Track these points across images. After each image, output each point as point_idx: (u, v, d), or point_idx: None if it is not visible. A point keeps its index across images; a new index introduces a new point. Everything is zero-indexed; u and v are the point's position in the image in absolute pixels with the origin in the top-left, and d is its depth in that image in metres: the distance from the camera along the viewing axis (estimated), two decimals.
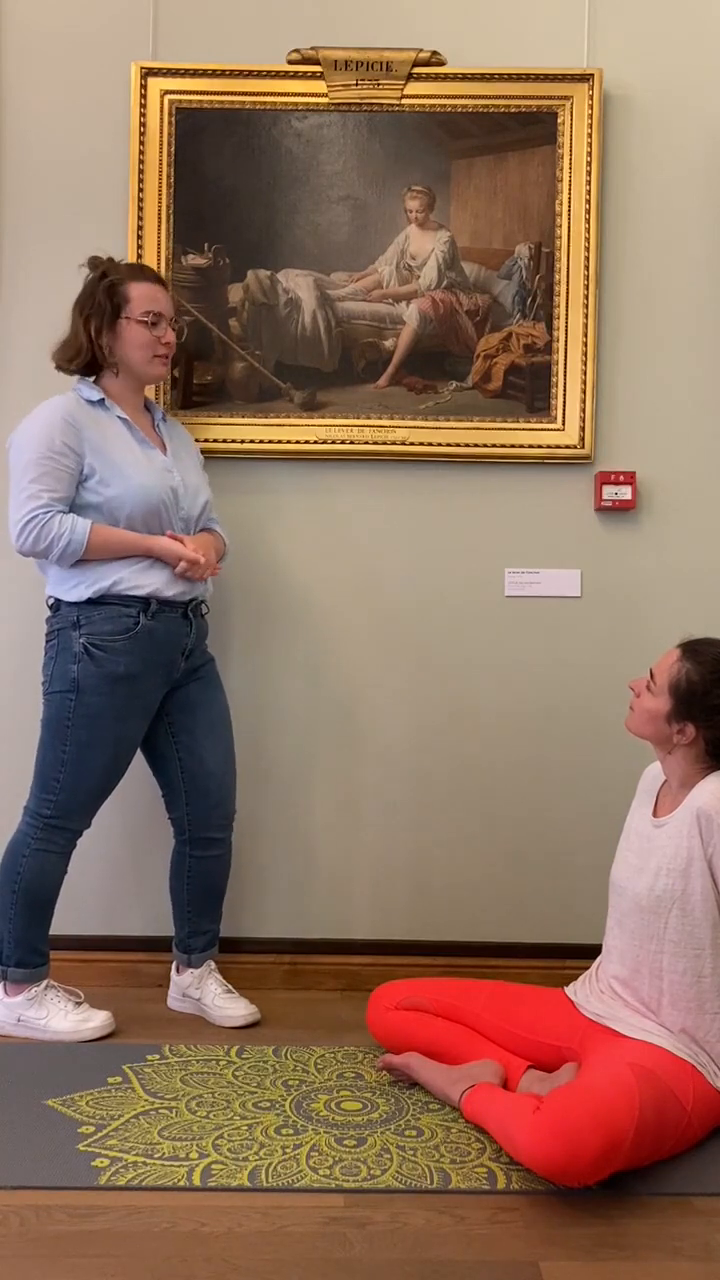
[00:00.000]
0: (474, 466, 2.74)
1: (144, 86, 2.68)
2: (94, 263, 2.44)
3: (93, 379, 2.45)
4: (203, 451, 2.71)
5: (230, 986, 2.55)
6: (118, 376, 2.44)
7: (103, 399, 2.41)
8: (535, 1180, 1.83)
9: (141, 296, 2.40)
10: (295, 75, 2.68)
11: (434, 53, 2.67)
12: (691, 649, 2.07)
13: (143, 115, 2.68)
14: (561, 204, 2.69)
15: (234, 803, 2.56)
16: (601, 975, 2.17)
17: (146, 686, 2.41)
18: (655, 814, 2.13)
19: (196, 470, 2.54)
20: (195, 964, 2.55)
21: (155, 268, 2.68)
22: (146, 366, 2.44)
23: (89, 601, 2.35)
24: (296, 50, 2.68)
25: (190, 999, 2.54)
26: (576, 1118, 1.75)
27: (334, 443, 2.71)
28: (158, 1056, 2.31)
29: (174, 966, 2.60)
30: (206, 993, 2.52)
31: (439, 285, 2.71)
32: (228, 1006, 2.50)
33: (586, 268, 2.68)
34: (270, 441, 2.72)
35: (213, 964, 2.57)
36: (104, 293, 2.39)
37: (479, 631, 2.76)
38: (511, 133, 2.69)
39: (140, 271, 2.45)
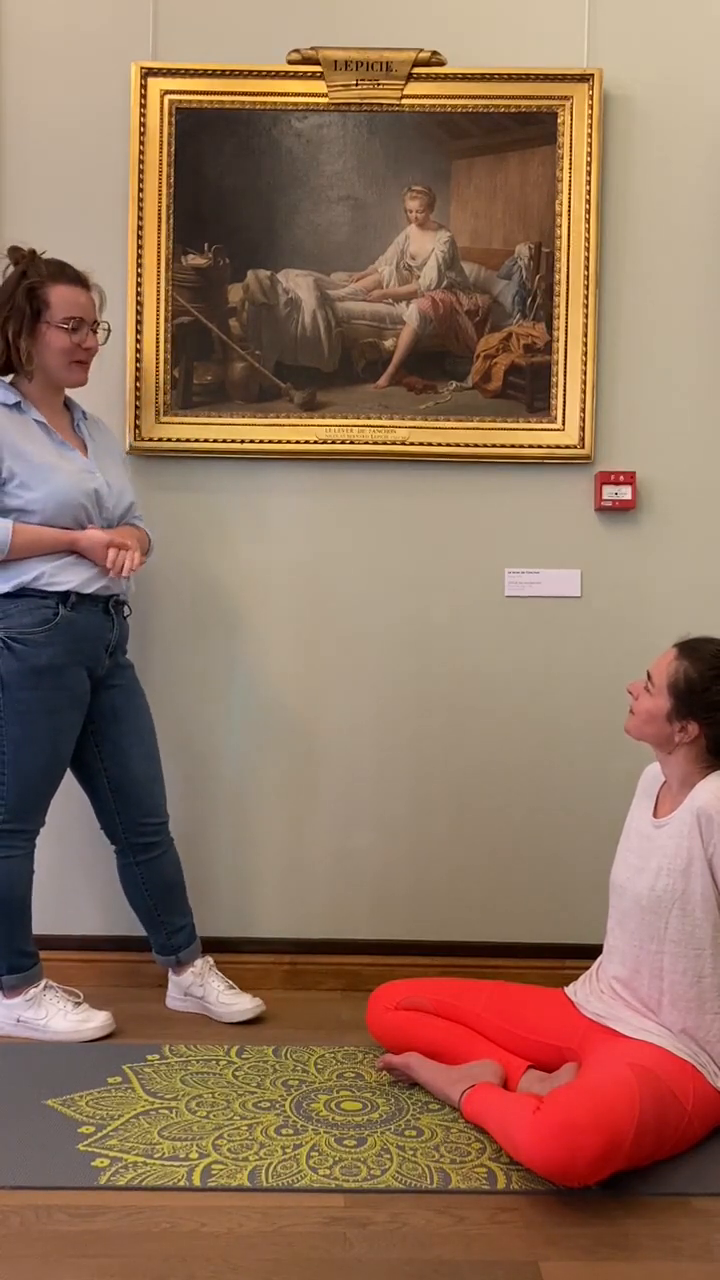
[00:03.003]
0: (474, 466, 2.74)
1: (144, 86, 2.68)
2: (14, 256, 2.36)
3: (9, 379, 2.39)
4: (203, 451, 2.71)
5: (232, 983, 2.55)
6: (33, 380, 2.38)
7: (19, 402, 2.36)
8: (535, 1180, 1.83)
9: (62, 301, 2.34)
10: (295, 75, 2.68)
11: (434, 53, 2.67)
12: (689, 647, 2.08)
13: (143, 115, 2.68)
14: (561, 204, 2.69)
15: (165, 808, 2.54)
16: (602, 975, 2.17)
17: (72, 679, 2.37)
18: (655, 814, 2.13)
19: (119, 470, 2.50)
20: (186, 960, 2.54)
21: (155, 268, 2.68)
22: (65, 372, 2.39)
23: (6, 595, 2.31)
24: (296, 50, 2.67)
25: (193, 998, 2.54)
26: (577, 1118, 1.75)
27: (334, 443, 2.71)
28: (158, 1056, 2.31)
29: (169, 969, 2.59)
30: (210, 990, 2.52)
31: (439, 285, 2.71)
32: (234, 1001, 2.50)
33: (586, 268, 2.68)
34: (270, 441, 2.71)
35: (211, 960, 2.57)
36: (23, 295, 2.32)
37: (479, 632, 2.76)
38: (511, 133, 2.69)
39: (62, 273, 2.37)
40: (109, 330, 2.47)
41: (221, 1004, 2.50)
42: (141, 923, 2.56)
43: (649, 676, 2.10)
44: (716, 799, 1.99)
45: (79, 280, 2.39)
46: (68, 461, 2.37)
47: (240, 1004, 2.50)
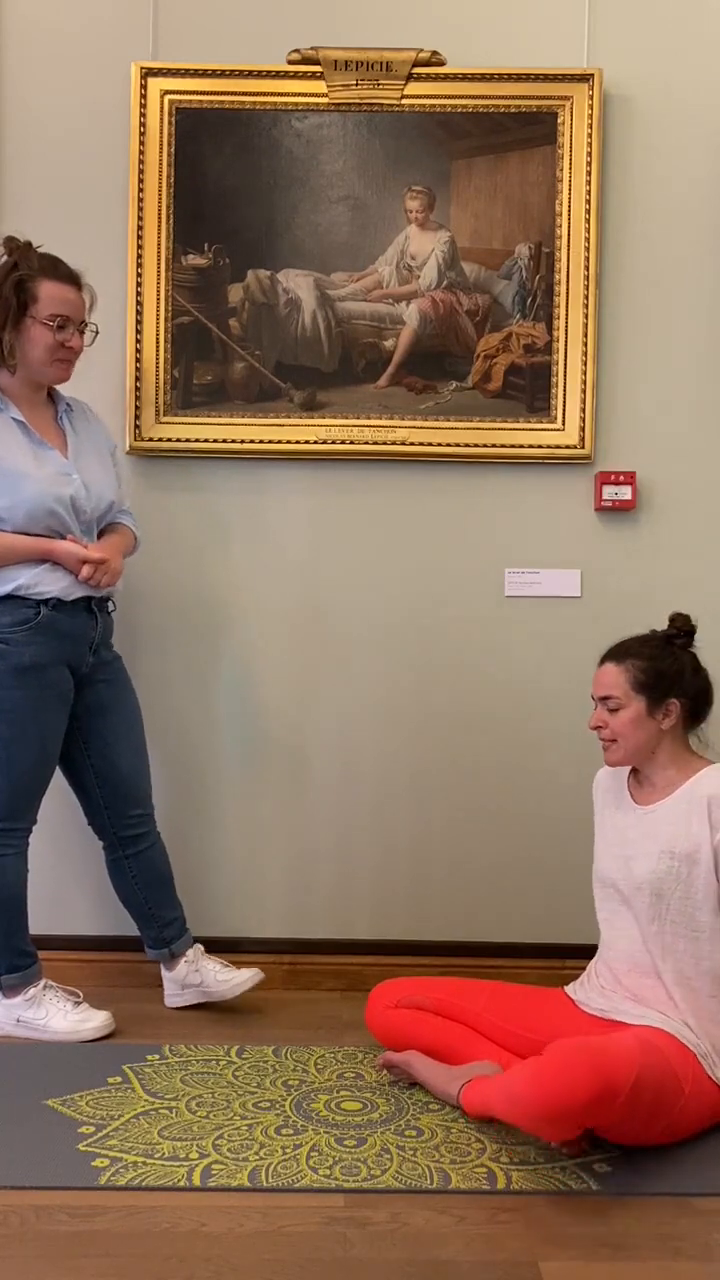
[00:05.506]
0: (474, 466, 2.74)
1: (144, 86, 2.68)
2: (9, 246, 2.33)
3: None
4: (203, 451, 2.71)
5: (225, 962, 2.56)
6: (15, 374, 2.35)
7: None
8: (535, 1180, 1.83)
9: (50, 297, 2.31)
10: (295, 75, 2.68)
11: (434, 53, 2.67)
12: (618, 652, 2.14)
13: (143, 115, 2.68)
14: (561, 204, 2.69)
15: (150, 801, 2.54)
16: (600, 972, 2.18)
17: (56, 677, 2.36)
18: (637, 802, 2.14)
19: (102, 467, 2.45)
20: (179, 951, 2.54)
21: (155, 268, 2.68)
22: (46, 369, 2.36)
23: None
24: (296, 50, 2.68)
25: (190, 986, 2.54)
26: (576, 1059, 1.78)
27: (334, 443, 2.71)
28: (158, 1056, 2.31)
29: (162, 965, 2.59)
30: (205, 973, 2.52)
31: (439, 285, 2.71)
32: (231, 976, 2.51)
33: (586, 268, 2.68)
34: (270, 441, 2.71)
35: (200, 946, 2.57)
36: (11, 287, 2.29)
37: (479, 631, 2.76)
38: (511, 133, 2.69)
39: (54, 269, 2.34)
40: (96, 332, 2.43)
41: (219, 981, 2.50)
42: (133, 918, 2.56)
43: (604, 700, 2.12)
44: None
45: (70, 278, 2.36)
46: (43, 465, 2.33)
47: (238, 977, 2.51)
